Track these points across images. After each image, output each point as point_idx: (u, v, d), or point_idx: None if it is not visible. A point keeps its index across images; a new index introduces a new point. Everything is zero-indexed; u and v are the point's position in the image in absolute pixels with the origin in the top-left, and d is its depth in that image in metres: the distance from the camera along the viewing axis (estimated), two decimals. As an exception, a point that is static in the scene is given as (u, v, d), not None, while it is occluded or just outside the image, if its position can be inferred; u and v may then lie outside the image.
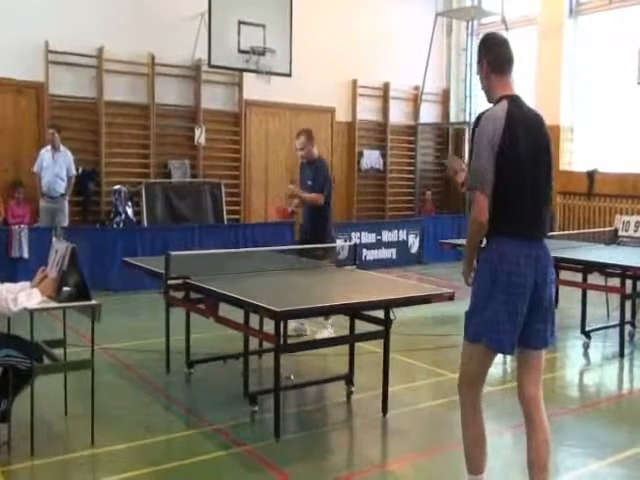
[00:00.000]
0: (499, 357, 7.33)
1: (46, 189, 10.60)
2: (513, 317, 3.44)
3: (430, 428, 5.30)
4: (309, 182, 7.51)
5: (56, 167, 10.55)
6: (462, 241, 9.45)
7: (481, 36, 3.78)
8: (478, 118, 3.53)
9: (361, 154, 15.53)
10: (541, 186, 3.51)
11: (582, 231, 11.99)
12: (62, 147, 10.65)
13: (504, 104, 3.45)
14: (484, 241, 3.55)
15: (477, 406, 3.66)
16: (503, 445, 4.95)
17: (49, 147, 10.62)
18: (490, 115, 3.45)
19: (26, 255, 9.44)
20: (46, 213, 10.65)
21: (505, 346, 3.51)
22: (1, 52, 10.97)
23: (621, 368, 7.02)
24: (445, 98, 16.97)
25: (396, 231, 13.25)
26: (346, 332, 5.73)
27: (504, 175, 3.38)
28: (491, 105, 3.58)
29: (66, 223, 10.48)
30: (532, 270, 3.46)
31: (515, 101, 3.52)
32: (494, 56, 3.60)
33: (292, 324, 7.39)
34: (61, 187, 10.62)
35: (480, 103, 16.60)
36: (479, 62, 3.65)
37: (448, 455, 4.71)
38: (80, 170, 11.47)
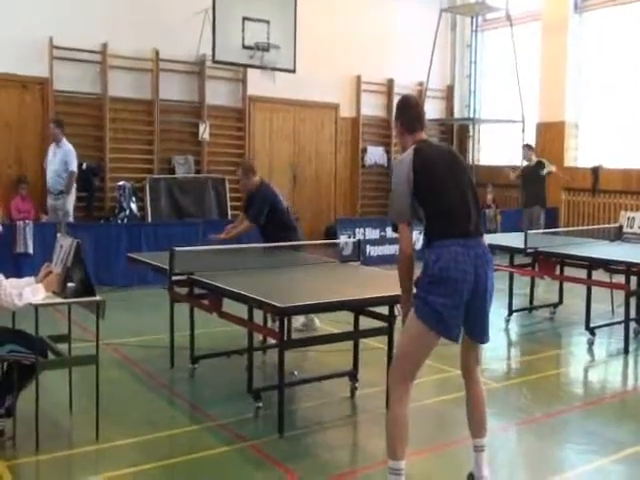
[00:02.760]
0: (503, 353, 7.34)
1: (48, 185, 10.62)
2: (454, 310, 3.74)
3: (434, 424, 5.29)
4: None
5: (55, 163, 10.47)
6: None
7: (397, 100, 4.29)
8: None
9: (365, 150, 15.52)
10: (466, 195, 3.91)
11: (586, 227, 11.98)
12: (64, 141, 10.51)
13: (410, 150, 3.95)
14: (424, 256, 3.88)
15: (409, 395, 3.86)
16: (507, 440, 4.95)
17: (53, 143, 10.60)
18: (399, 161, 4.00)
19: (31, 251, 9.44)
20: (51, 209, 10.66)
21: (452, 334, 3.83)
22: (6, 48, 10.96)
23: (626, 365, 7.01)
24: (449, 94, 16.95)
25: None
26: (350, 328, 5.73)
27: (429, 198, 3.85)
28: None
29: (70, 219, 10.43)
30: (471, 266, 3.75)
31: (423, 142, 4.02)
32: (406, 118, 4.09)
33: (300, 319, 7.40)
34: (60, 184, 10.47)
35: (484, 99, 16.61)
36: (395, 122, 4.17)
37: (452, 451, 4.71)
38: (84, 166, 11.45)
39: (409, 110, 4.11)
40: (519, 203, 14.34)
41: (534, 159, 12.80)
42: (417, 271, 3.87)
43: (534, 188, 12.66)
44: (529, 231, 8.40)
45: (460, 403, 5.12)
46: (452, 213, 3.84)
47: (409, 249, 3.85)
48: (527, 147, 13.24)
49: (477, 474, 3.97)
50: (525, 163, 13.23)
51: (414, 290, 3.89)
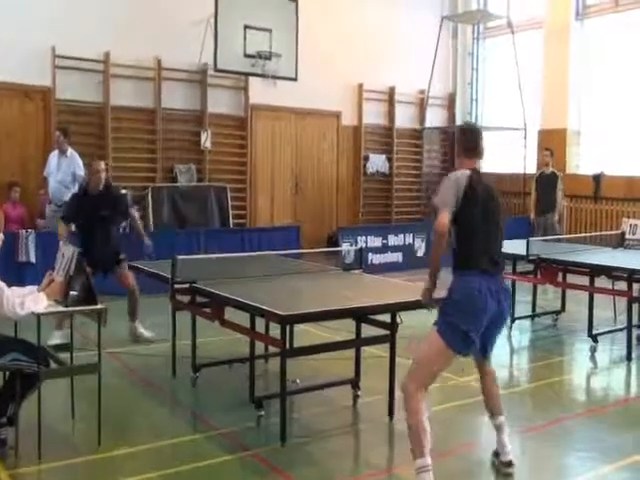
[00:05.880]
0: (506, 360, 7.33)
1: (51, 196, 10.47)
2: (474, 334, 4.17)
3: (436, 432, 5.26)
4: None
5: (60, 174, 10.32)
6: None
7: (460, 125, 4.76)
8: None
9: (367, 158, 15.52)
10: (494, 231, 4.36)
11: (589, 234, 11.96)
12: (70, 151, 10.41)
13: (467, 171, 4.32)
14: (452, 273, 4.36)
15: (424, 403, 4.20)
16: (510, 448, 4.93)
17: (56, 151, 10.49)
18: (455, 175, 4.32)
19: (33, 259, 9.45)
20: (52, 220, 10.54)
21: (469, 352, 4.32)
22: (8, 57, 10.99)
23: (628, 372, 7.00)
24: (451, 102, 16.96)
25: (402, 235, 13.24)
26: (352, 336, 5.72)
27: (466, 224, 4.23)
28: None
29: (72, 228, 10.36)
30: (493, 298, 4.20)
31: (476, 172, 4.36)
32: (469, 146, 4.48)
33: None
34: (65, 194, 10.18)
35: (486, 107, 16.63)
36: (457, 144, 4.59)
37: (455, 459, 4.70)
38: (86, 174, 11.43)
39: (471, 138, 4.51)
40: (521, 210, 14.33)
41: (551, 168, 12.38)
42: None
43: (551, 196, 12.24)
44: (531, 238, 8.40)
45: (464, 410, 5.12)
46: (481, 247, 4.25)
47: (444, 229, 4.14)
48: (549, 152, 12.46)
49: (502, 450, 4.48)
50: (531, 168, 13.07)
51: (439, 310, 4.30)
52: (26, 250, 9.43)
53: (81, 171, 10.43)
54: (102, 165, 7.72)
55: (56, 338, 6.83)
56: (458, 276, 4.27)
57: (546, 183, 12.34)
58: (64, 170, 10.36)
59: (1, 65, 10.96)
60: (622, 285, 7.36)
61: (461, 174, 4.29)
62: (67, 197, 10.34)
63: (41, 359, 4.53)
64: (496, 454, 4.54)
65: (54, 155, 10.53)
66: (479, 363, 4.57)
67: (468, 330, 4.11)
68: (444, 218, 4.15)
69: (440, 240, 4.19)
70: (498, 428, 4.51)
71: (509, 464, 4.46)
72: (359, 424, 5.49)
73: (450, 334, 4.13)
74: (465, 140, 4.51)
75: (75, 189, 10.49)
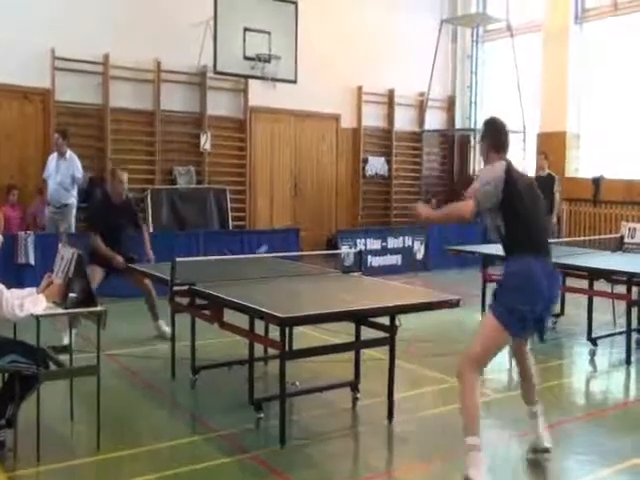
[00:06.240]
0: (505, 364, 7.32)
1: (50, 198, 10.46)
2: (531, 314, 4.24)
3: (436, 435, 5.28)
4: None
5: (59, 176, 10.32)
6: (468, 247, 9.47)
7: (486, 119, 4.68)
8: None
9: (366, 160, 15.54)
10: (541, 215, 4.52)
11: (588, 238, 11.96)
12: (69, 153, 10.41)
13: (502, 162, 4.36)
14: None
15: (478, 385, 4.31)
16: (510, 451, 4.94)
17: (55, 154, 10.48)
18: (492, 167, 4.38)
19: (32, 261, 9.44)
20: (50, 222, 10.53)
21: (524, 332, 4.39)
22: (8, 58, 10.99)
23: (627, 375, 7.00)
24: (450, 105, 16.97)
25: (401, 237, 13.25)
26: (352, 339, 5.72)
27: (512, 213, 4.28)
28: None
29: (72, 230, 10.38)
30: (546, 280, 4.27)
31: (509, 163, 4.40)
32: (496, 140, 4.49)
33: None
34: (64, 197, 10.38)
35: (485, 110, 16.63)
36: (482, 140, 4.58)
37: (453, 463, 4.69)
38: (86, 177, 11.43)
39: (499, 133, 4.51)
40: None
41: (547, 170, 12.38)
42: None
43: (548, 198, 12.20)
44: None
45: (458, 414, 5.11)
46: (533, 231, 4.34)
47: (467, 214, 4.34)
48: (544, 155, 12.52)
49: (540, 443, 4.57)
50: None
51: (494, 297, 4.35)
52: (25, 252, 9.43)
53: (80, 173, 10.46)
54: (125, 176, 7.96)
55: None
56: (513, 260, 4.33)
57: (543, 186, 12.19)
58: (63, 172, 10.36)
59: (0, 67, 10.96)
60: (621, 288, 7.36)
61: (498, 164, 4.34)
62: (66, 199, 10.40)
63: (40, 361, 4.53)
64: (533, 450, 4.61)
65: (53, 157, 10.53)
66: (519, 346, 4.58)
67: (525, 311, 4.16)
68: (470, 205, 4.29)
69: (456, 217, 4.45)
70: (534, 415, 4.59)
71: (547, 450, 4.58)
72: (358, 427, 5.48)
73: (507, 316, 4.17)
74: (495, 136, 4.51)
75: (74, 191, 10.53)
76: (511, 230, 4.31)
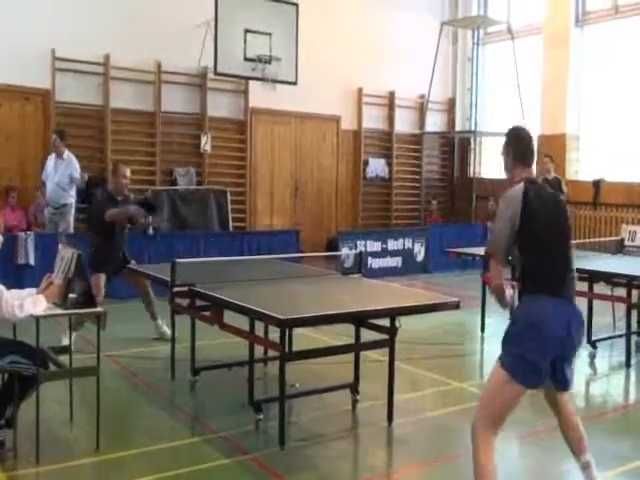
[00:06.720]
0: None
1: (48, 199, 10.46)
2: (543, 362, 3.79)
3: (435, 437, 5.28)
4: None
5: (57, 176, 10.31)
6: (468, 250, 9.45)
7: (510, 128, 4.28)
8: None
9: (366, 162, 15.56)
10: (562, 246, 3.96)
11: (588, 240, 11.95)
12: (67, 153, 10.39)
13: (520, 188, 3.92)
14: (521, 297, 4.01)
15: (493, 445, 3.76)
16: (509, 454, 4.93)
17: (53, 155, 10.47)
18: (510, 196, 3.94)
19: (32, 262, 9.44)
20: (50, 223, 10.53)
21: (536, 382, 3.84)
22: (8, 59, 11.01)
23: (627, 378, 6.99)
24: (451, 107, 16.99)
25: (402, 239, 13.23)
26: (351, 340, 5.72)
27: (530, 250, 3.89)
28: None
29: (71, 230, 10.37)
30: (562, 323, 3.83)
31: (532, 184, 3.97)
32: (520, 150, 4.11)
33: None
34: (63, 197, 10.37)
35: (486, 112, 16.63)
36: (505, 150, 4.16)
37: (453, 465, 4.69)
38: (86, 177, 11.43)
39: (522, 142, 4.15)
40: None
41: (553, 173, 12.27)
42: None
43: None
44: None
45: (462, 415, 5.10)
46: (549, 268, 3.89)
47: (498, 280, 3.96)
48: (549, 158, 11.92)
49: None
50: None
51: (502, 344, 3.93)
52: (25, 252, 9.42)
53: (77, 173, 10.45)
54: (128, 171, 7.82)
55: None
56: (524, 301, 3.93)
57: (552, 187, 12.16)
58: (61, 173, 10.35)
59: (1, 67, 10.99)
60: (621, 291, 7.36)
61: (513, 193, 3.92)
62: (64, 200, 10.40)
63: (40, 361, 4.52)
64: None
65: (51, 158, 10.51)
66: (552, 399, 4.12)
67: (535, 360, 3.74)
68: (495, 268, 3.96)
69: (495, 290, 3.99)
70: (588, 466, 4.08)
71: None
72: (358, 428, 5.48)
73: (516, 366, 3.75)
74: (518, 144, 4.14)
75: (73, 192, 10.53)
76: (525, 264, 3.95)
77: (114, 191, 7.82)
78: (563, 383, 4.00)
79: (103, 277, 7.42)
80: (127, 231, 7.94)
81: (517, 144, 4.13)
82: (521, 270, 3.97)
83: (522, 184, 3.93)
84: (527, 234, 3.85)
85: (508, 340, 3.86)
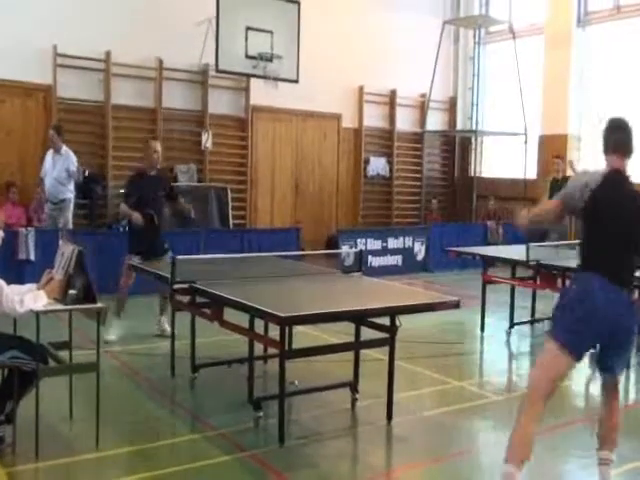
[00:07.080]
0: (505, 366, 7.32)
1: (48, 194, 10.45)
2: (588, 333, 3.94)
3: (435, 436, 5.28)
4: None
5: (55, 171, 10.31)
6: (468, 249, 9.46)
7: (610, 119, 4.24)
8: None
9: (367, 161, 15.54)
10: (625, 245, 4.00)
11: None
12: (65, 148, 10.38)
13: (600, 174, 4.03)
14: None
15: (541, 415, 3.98)
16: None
17: (51, 150, 10.46)
18: (588, 173, 4.12)
19: (33, 257, 9.43)
20: (50, 218, 10.53)
21: (579, 352, 3.99)
22: (10, 55, 10.99)
23: (627, 379, 6.97)
24: (452, 106, 16.98)
25: (402, 238, 13.23)
26: (352, 339, 5.72)
27: (590, 226, 4.01)
28: None
29: (69, 226, 10.35)
30: (609, 309, 3.88)
31: (616, 174, 4.03)
32: (611, 138, 4.11)
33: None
34: (62, 192, 10.36)
35: (487, 112, 16.62)
36: (603, 134, 4.17)
37: (453, 463, 4.69)
38: (86, 173, 11.43)
39: (616, 133, 4.13)
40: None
41: (562, 174, 12.19)
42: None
43: None
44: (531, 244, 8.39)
45: (461, 414, 5.10)
46: (603, 254, 3.96)
47: (551, 212, 4.22)
48: (559, 159, 12.14)
49: None
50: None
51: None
52: (26, 248, 9.42)
53: (74, 166, 10.41)
54: (159, 145, 7.89)
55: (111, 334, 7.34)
56: (576, 274, 4.16)
57: (561, 187, 12.09)
58: (59, 168, 10.35)
59: (2, 63, 10.98)
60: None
61: (594, 172, 4.07)
62: (63, 194, 10.40)
63: (40, 357, 4.52)
64: None
65: (49, 154, 10.51)
66: (604, 383, 4.31)
67: (579, 330, 3.88)
68: (553, 204, 4.20)
69: (544, 215, 4.28)
70: (604, 462, 4.22)
71: None
72: (357, 427, 5.48)
73: (562, 333, 3.92)
74: (615, 136, 4.10)
75: (71, 186, 10.51)
76: (584, 242, 4.08)
77: (147, 166, 7.83)
78: (607, 369, 4.17)
79: (131, 259, 7.40)
80: (163, 206, 7.97)
81: (605, 134, 4.15)
82: (581, 245, 4.16)
83: (602, 173, 4.02)
84: (591, 214, 3.96)
85: (557, 310, 4.04)
